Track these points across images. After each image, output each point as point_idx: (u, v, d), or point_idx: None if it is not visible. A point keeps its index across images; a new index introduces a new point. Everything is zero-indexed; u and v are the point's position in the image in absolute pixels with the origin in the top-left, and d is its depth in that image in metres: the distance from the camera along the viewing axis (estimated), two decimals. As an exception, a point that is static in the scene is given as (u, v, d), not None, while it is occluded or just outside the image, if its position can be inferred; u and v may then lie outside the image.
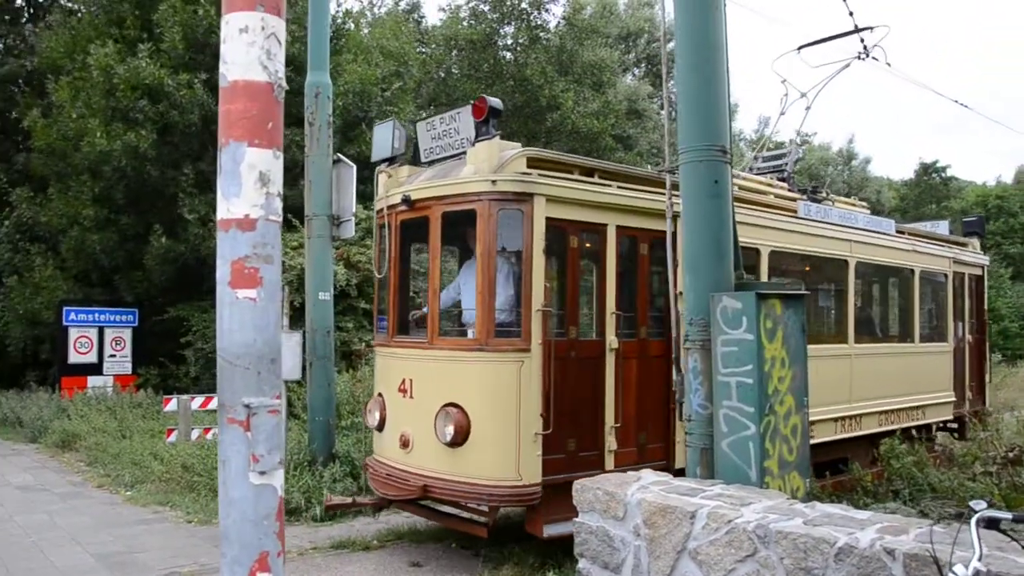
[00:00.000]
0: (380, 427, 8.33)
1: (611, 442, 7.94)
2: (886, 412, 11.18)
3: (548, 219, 7.55)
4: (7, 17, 25.47)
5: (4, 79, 24.12)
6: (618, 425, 7.96)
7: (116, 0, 19.17)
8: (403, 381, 8.02)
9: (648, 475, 5.77)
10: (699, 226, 6.34)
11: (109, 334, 18.93)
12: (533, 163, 7.72)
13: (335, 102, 13.13)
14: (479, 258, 7.55)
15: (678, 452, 8.19)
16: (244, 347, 2.80)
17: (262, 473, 2.75)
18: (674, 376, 7.00)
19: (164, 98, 17.25)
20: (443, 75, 28.06)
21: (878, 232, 11.60)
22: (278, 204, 2.85)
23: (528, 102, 25.81)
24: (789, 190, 11.15)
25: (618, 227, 8.10)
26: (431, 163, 8.48)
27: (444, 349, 7.79)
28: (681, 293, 6.86)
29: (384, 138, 8.84)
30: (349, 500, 8.71)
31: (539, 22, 26.93)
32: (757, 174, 11.88)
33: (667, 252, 7.52)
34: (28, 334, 20.82)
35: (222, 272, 2.83)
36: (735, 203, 8.06)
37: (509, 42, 27.48)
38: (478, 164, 7.60)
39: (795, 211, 10.17)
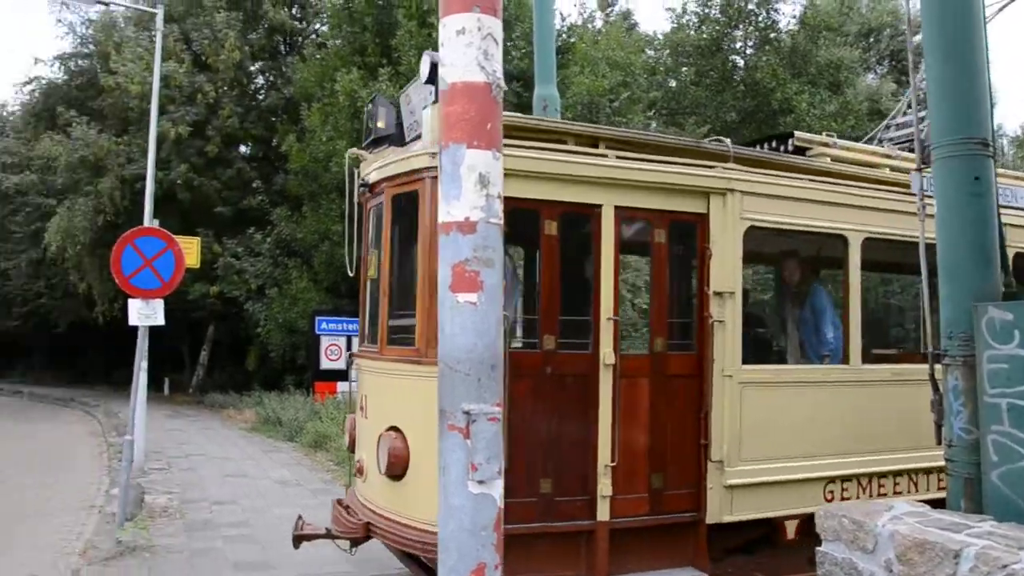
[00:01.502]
0: (351, 450, 7.23)
1: (605, 486, 6.22)
2: None
3: (508, 199, 6.14)
4: (267, 55, 28.08)
5: (267, 110, 26.74)
6: (614, 464, 6.25)
7: (358, 31, 20.61)
8: (363, 397, 6.87)
9: (901, 505, 5.21)
10: (956, 228, 5.62)
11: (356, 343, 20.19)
12: (504, 131, 6.43)
13: (564, 115, 13.25)
14: (419, 249, 6.16)
15: (711, 501, 6.53)
16: (465, 352, 2.77)
17: (480, 482, 2.70)
18: (931, 396, 6.20)
19: (403, 118, 18.25)
20: (672, 84, 27.69)
21: None
22: (498, 206, 2.80)
23: (759, 107, 24.88)
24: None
25: (618, 208, 6.40)
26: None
27: (389, 360, 6.45)
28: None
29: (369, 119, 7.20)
30: (322, 531, 6.95)
31: (768, 22, 25.90)
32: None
33: (921, 260, 6.03)
34: (287, 341, 22.72)
35: (443, 275, 2.81)
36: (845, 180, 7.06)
37: (738, 45, 26.64)
38: (430, 135, 6.17)
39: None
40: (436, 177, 5.55)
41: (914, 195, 6.42)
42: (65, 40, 43.22)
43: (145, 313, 9.58)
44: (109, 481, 12.76)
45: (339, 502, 7.03)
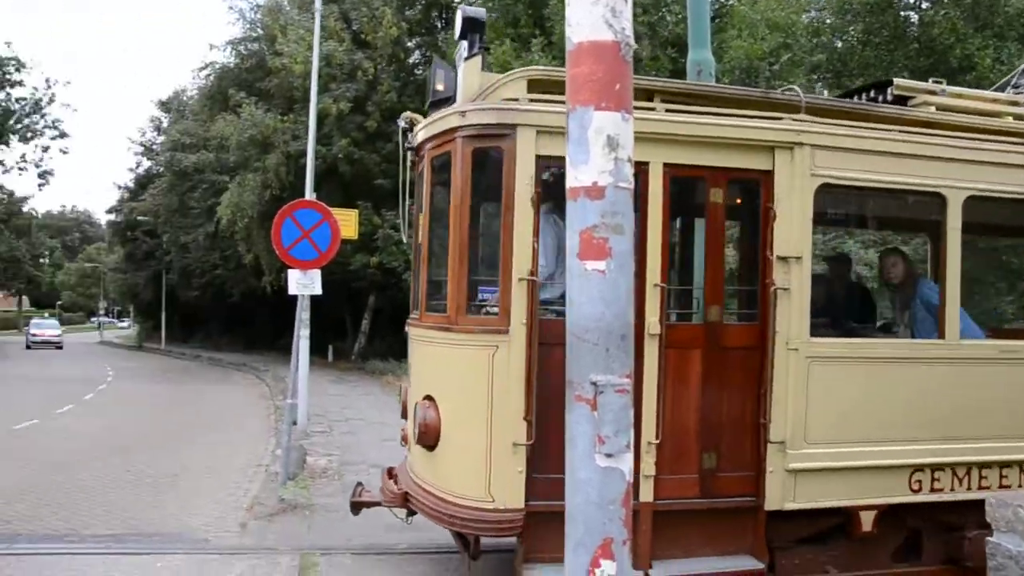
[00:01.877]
0: (404, 417, 7.11)
1: (648, 464, 5.76)
2: None
3: (541, 157, 5.63)
4: (424, 31, 28.65)
5: (425, 84, 27.24)
6: (658, 442, 5.78)
7: (511, 2, 20.60)
8: (411, 365, 6.82)
9: (1083, 493, 4.75)
10: None
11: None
12: (542, 86, 5.86)
13: (721, 80, 12.80)
14: (451, 213, 5.97)
15: (770, 486, 5.93)
16: (593, 321, 2.67)
17: (608, 456, 2.61)
18: None
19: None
20: (838, 44, 26.25)
21: None
22: (628, 170, 2.68)
23: (935, 65, 23.17)
24: None
25: (667, 165, 5.84)
26: None
27: (426, 327, 6.30)
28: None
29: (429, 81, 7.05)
30: (377, 500, 6.92)
31: (948, -28, 24.06)
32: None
33: None
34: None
35: (571, 243, 2.73)
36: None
37: (911, 0, 24.91)
38: (463, 92, 6.02)
39: None
40: (467, 136, 5.79)
41: None
42: (235, 26, 45.73)
43: (303, 283, 9.98)
44: (275, 442, 13.47)
45: (389, 471, 6.99)
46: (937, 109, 6.77)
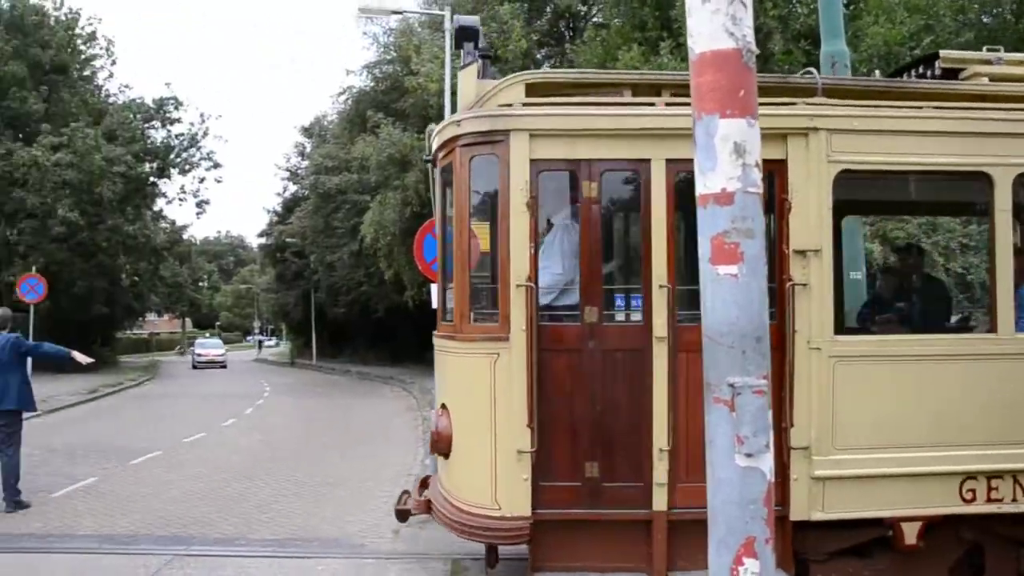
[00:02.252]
0: None
1: (660, 472, 5.57)
2: None
3: (536, 161, 5.59)
4: (552, 41, 28.99)
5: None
6: (670, 448, 5.56)
7: (637, 5, 20.58)
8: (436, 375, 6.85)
9: None
10: None
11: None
12: (542, 90, 5.85)
13: (858, 69, 12.39)
14: (455, 221, 6.00)
15: (795, 495, 5.56)
16: (727, 325, 2.74)
17: (748, 455, 2.66)
18: None
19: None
20: (986, 20, 24.82)
21: None
22: (756, 175, 2.72)
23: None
24: None
25: (670, 162, 5.58)
26: None
27: (440, 337, 6.36)
28: None
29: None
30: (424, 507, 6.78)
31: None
32: None
33: None
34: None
35: (703, 249, 2.80)
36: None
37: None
38: (461, 100, 6.03)
39: None
40: (465, 145, 5.76)
41: None
42: (370, 51, 47.41)
43: (445, 296, 10.30)
44: (424, 452, 13.91)
45: (424, 480, 7.05)
46: (991, 80, 6.20)
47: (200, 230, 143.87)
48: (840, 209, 6.07)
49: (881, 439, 5.59)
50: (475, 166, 5.84)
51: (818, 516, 5.55)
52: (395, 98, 30.70)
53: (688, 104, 5.74)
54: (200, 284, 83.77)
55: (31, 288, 23.14)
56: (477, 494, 5.73)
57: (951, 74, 6.35)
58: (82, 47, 41.46)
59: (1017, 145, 5.75)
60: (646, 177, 5.64)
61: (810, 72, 6.23)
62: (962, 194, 7.13)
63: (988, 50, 6.50)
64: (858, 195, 7.52)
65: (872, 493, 5.56)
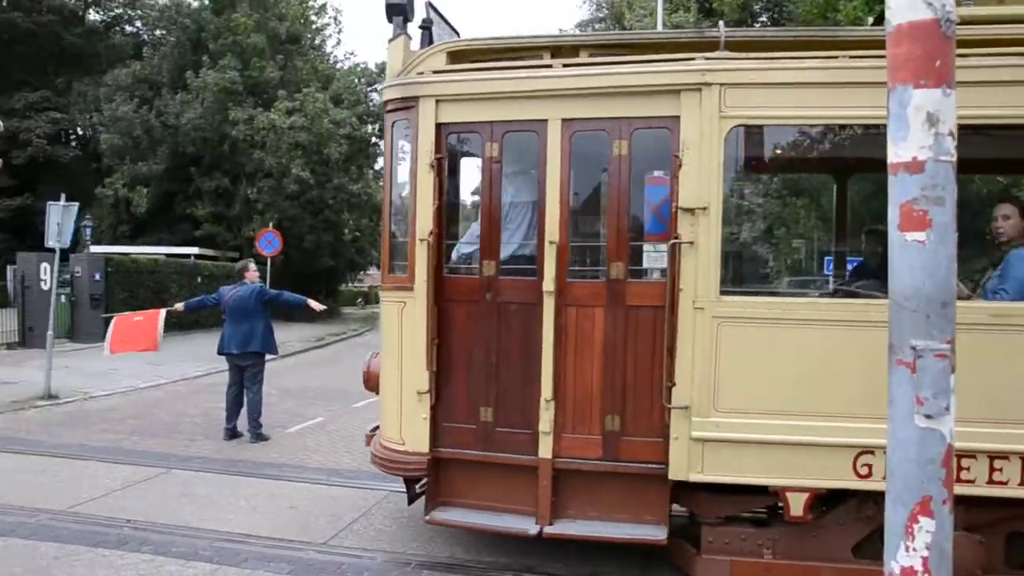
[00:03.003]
0: None
1: (546, 422, 5.74)
2: None
3: (442, 125, 5.94)
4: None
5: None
6: (554, 399, 5.73)
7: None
8: None
9: None
10: None
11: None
12: (464, 57, 6.05)
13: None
14: (384, 181, 6.77)
15: (674, 454, 5.47)
16: (912, 289, 2.81)
17: (927, 416, 2.73)
18: None
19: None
20: None
21: None
22: (949, 144, 2.76)
23: None
24: None
25: (566, 121, 5.70)
26: None
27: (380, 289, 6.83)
28: None
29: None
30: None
31: None
32: None
33: None
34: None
35: (892, 215, 2.87)
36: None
37: None
38: (390, 71, 6.37)
39: None
40: (389, 111, 6.24)
41: None
42: (583, 8, 47.49)
43: (653, 256, 10.48)
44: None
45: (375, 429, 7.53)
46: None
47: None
48: (756, 167, 6.06)
49: (764, 404, 5.38)
50: (396, 130, 6.30)
51: (696, 477, 5.49)
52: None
53: (587, 64, 5.95)
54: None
55: (268, 243, 25.29)
56: (391, 431, 6.24)
57: None
58: (313, 18, 44.54)
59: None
60: (543, 137, 5.80)
61: (715, 26, 5.94)
62: (873, 149, 6.58)
63: None
64: (770, 152, 7.30)
65: (753, 459, 5.41)
